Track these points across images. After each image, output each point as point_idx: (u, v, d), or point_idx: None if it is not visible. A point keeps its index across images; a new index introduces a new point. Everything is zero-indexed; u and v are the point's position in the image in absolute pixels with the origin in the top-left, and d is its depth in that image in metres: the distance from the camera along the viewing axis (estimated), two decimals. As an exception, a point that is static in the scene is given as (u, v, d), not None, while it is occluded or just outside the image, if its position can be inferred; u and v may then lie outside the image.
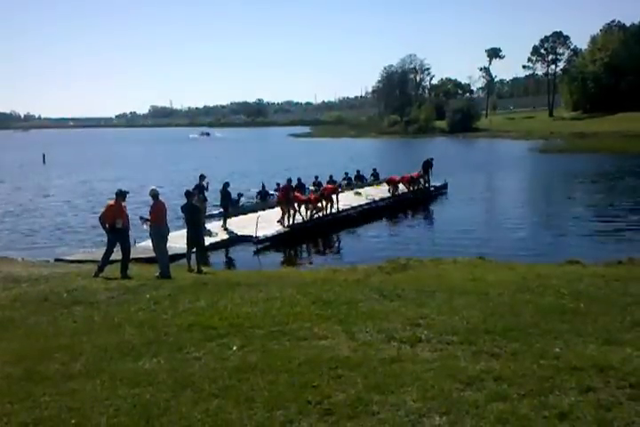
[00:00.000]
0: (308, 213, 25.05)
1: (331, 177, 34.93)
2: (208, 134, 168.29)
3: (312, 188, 33.99)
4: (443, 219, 28.83)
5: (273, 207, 27.32)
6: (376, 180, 39.61)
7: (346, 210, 27.56)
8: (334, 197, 26.57)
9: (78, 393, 6.60)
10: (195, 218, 16.80)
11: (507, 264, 15.98)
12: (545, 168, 53.56)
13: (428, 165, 35.69)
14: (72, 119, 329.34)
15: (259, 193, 31.13)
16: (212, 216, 25.89)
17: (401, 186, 33.59)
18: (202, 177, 23.82)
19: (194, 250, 17.06)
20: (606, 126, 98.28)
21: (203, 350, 7.99)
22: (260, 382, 6.70)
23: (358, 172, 40.23)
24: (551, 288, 11.44)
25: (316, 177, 35.50)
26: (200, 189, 23.31)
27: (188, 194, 17.05)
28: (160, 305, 10.88)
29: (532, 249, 20.62)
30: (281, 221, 24.04)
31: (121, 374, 7.10)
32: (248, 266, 19.22)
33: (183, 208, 16.74)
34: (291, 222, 23.80)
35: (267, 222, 23.23)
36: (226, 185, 24.04)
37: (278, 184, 29.03)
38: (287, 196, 24.16)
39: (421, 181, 35.18)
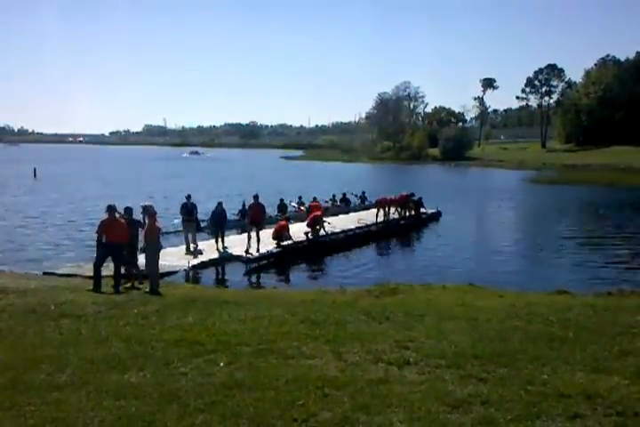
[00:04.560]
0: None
1: (314, 199, 35.01)
2: (198, 153, 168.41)
3: (294, 204, 34.24)
4: (433, 245, 28.68)
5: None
6: (363, 203, 39.52)
7: (336, 233, 27.50)
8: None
9: (63, 404, 6.56)
10: (132, 232, 16.46)
11: (496, 291, 15.93)
12: (536, 198, 53.69)
13: (418, 205, 35.43)
14: (65, 135, 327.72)
15: (240, 211, 30.97)
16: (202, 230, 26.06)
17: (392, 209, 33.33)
18: (189, 197, 23.77)
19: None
20: (598, 159, 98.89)
21: (189, 365, 7.96)
22: (246, 398, 6.68)
23: (344, 194, 40.08)
24: (540, 316, 11.44)
25: (300, 197, 35.67)
26: (187, 208, 23.26)
27: (127, 210, 16.74)
28: (148, 320, 10.85)
29: (521, 278, 20.62)
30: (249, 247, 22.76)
31: (107, 387, 7.06)
32: (237, 285, 19.19)
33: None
34: (249, 247, 22.69)
35: (256, 243, 23.10)
36: (219, 204, 23.93)
37: (244, 204, 28.47)
38: (259, 216, 23.64)
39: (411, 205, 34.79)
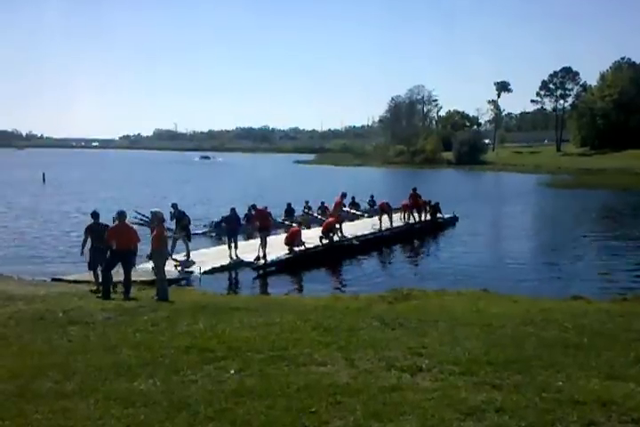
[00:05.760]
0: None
1: (322, 203, 35.03)
2: (208, 158, 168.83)
3: (303, 211, 34.23)
4: (448, 251, 28.50)
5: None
6: (372, 208, 39.16)
7: (349, 239, 27.41)
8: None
9: (71, 412, 6.50)
10: (100, 236, 16.23)
11: (511, 298, 15.81)
12: (552, 203, 53.46)
13: (435, 210, 35.24)
14: (74, 139, 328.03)
15: (245, 216, 31.05)
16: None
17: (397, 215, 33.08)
18: (175, 206, 23.60)
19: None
20: (614, 163, 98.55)
21: (200, 372, 7.89)
22: (257, 406, 6.60)
23: (353, 199, 39.43)
24: (555, 322, 11.33)
25: (307, 202, 35.66)
26: (176, 217, 23.13)
27: (94, 214, 16.80)
28: (158, 327, 10.79)
29: (536, 284, 20.46)
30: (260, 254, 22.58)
31: (115, 394, 6.99)
32: (249, 291, 19.18)
33: (88, 228, 16.48)
34: (262, 254, 22.51)
35: (269, 248, 23.01)
36: (233, 211, 23.88)
37: (250, 209, 28.35)
38: (267, 222, 23.74)
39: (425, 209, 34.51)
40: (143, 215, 21.47)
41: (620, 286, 19.75)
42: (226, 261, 22.20)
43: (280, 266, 22.43)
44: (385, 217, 31.35)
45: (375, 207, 37.59)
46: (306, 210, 35.54)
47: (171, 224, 23.33)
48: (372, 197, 40.86)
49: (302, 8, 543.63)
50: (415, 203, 33.44)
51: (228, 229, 23.75)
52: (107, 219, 17.32)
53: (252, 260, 22.12)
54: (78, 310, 12.39)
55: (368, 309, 13.49)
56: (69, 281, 18.18)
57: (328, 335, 9.89)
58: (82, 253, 16.53)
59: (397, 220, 32.85)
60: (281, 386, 7.23)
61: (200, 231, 29.66)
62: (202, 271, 20.20)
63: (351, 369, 8.02)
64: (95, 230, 16.30)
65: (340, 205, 29.03)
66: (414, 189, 34.12)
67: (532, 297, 16.07)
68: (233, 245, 23.12)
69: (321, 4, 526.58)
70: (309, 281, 21.50)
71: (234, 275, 21.65)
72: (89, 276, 17.13)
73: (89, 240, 16.32)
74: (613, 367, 8.11)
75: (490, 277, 20.97)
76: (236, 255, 22.80)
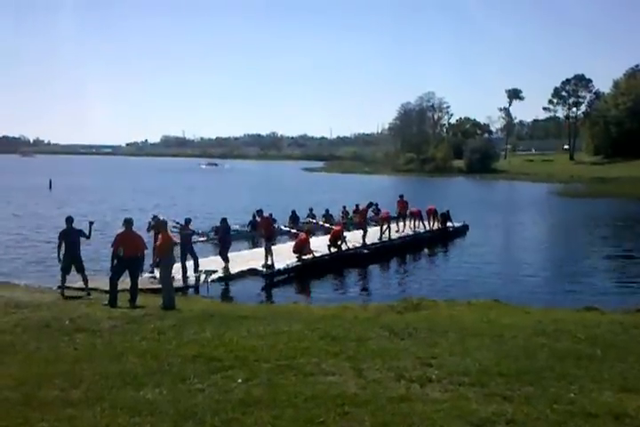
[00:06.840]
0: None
1: (327, 211, 34.86)
2: (215, 165, 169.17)
3: (306, 219, 34.21)
4: (459, 260, 28.32)
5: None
6: (377, 215, 38.84)
7: (358, 247, 27.28)
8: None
9: (77, 420, 6.47)
10: (73, 241, 16.58)
11: (522, 308, 15.67)
12: (564, 212, 53.12)
13: (445, 218, 35.08)
14: (82, 146, 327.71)
15: (250, 222, 31.01)
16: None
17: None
18: (154, 218, 23.44)
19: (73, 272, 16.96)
20: (628, 171, 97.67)
21: (207, 381, 7.84)
22: (264, 416, 6.56)
23: (357, 206, 39.12)
24: (567, 333, 11.22)
25: (311, 209, 35.57)
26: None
27: (68, 220, 16.93)
28: (164, 335, 10.78)
29: (548, 294, 20.27)
30: (268, 262, 22.39)
31: (122, 403, 6.96)
32: (256, 300, 19.05)
33: (62, 233, 16.62)
34: (269, 262, 22.33)
35: (277, 256, 22.89)
36: (223, 220, 23.51)
37: (254, 216, 28.16)
38: (270, 230, 23.66)
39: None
40: (177, 223, 21.60)
41: (635, 297, 19.49)
42: (234, 270, 21.97)
43: (288, 274, 22.34)
44: (384, 226, 30.91)
45: (380, 215, 37.46)
46: (309, 218, 35.41)
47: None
48: (376, 205, 40.45)
49: (311, 15, 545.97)
50: (402, 209, 33.12)
51: (223, 239, 23.22)
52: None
53: (259, 268, 21.97)
54: (85, 318, 12.39)
55: (377, 318, 13.40)
56: (76, 288, 18.08)
57: (336, 345, 9.83)
58: (58, 258, 16.57)
59: (407, 228, 32.78)
60: (288, 396, 7.18)
61: (203, 239, 29.61)
62: (209, 280, 20.08)
63: (359, 379, 7.96)
64: (68, 234, 16.54)
65: (365, 213, 29.19)
66: (401, 196, 33.88)
67: (544, 308, 15.93)
68: (222, 254, 22.63)
69: (330, 12, 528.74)
70: (318, 290, 21.39)
71: (241, 283, 21.48)
72: (94, 283, 17.15)
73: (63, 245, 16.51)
74: (627, 379, 8.02)
75: (501, 288, 20.85)
76: (227, 268, 21.90)
